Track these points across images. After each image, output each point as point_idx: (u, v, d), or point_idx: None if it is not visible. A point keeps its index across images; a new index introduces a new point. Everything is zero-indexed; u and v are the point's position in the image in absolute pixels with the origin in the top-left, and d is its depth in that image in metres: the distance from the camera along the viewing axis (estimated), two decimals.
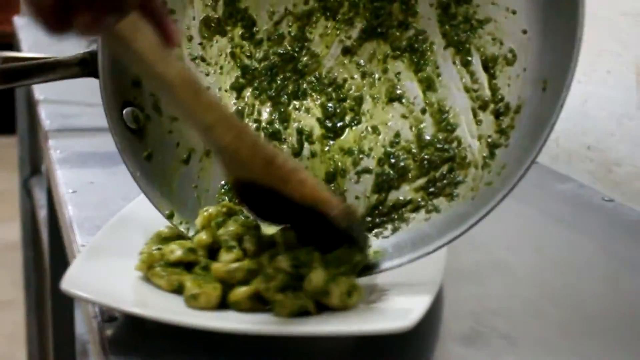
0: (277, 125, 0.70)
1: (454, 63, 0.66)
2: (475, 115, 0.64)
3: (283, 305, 0.56)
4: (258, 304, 0.57)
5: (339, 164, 0.69)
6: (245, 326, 0.55)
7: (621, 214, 0.84)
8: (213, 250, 0.62)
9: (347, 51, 0.70)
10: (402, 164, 0.66)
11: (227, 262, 0.59)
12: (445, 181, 0.64)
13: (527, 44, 0.62)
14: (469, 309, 0.63)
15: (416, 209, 0.64)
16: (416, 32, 0.68)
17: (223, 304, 0.58)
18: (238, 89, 0.71)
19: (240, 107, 0.71)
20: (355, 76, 0.70)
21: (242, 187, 0.60)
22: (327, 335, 0.56)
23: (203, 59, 0.71)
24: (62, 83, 1.20)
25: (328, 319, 0.56)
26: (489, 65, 0.64)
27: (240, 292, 0.57)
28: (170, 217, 0.66)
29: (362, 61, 0.70)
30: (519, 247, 0.76)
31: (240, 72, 0.71)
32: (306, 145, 0.70)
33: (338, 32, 0.70)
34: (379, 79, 0.69)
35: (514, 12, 0.63)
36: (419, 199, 0.64)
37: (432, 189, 0.64)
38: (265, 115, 0.71)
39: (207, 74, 0.71)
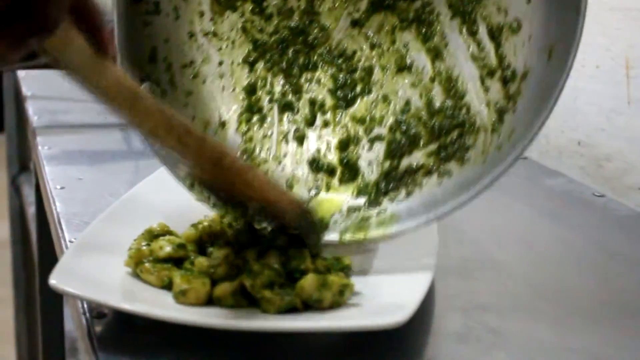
0: (289, 97, 0.71)
1: (461, 33, 0.67)
2: (483, 82, 0.66)
3: (271, 302, 0.55)
4: (243, 300, 0.56)
5: (352, 132, 0.70)
6: (234, 322, 0.54)
7: (611, 209, 0.84)
8: (204, 246, 0.62)
9: (355, 23, 0.72)
10: (413, 130, 0.68)
11: (213, 257, 0.59)
12: (456, 146, 0.66)
13: (531, 13, 0.63)
14: (459, 305, 0.63)
15: (428, 173, 0.66)
16: (423, 4, 0.69)
17: (213, 300, 0.57)
18: (250, 62, 0.72)
19: (252, 80, 0.72)
20: (365, 47, 0.71)
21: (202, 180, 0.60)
22: (317, 332, 0.56)
23: (215, 34, 0.72)
24: (50, 78, 1.20)
25: (318, 315, 0.55)
26: (495, 34, 0.65)
27: (224, 287, 0.57)
28: (191, 187, 0.66)
29: (370, 33, 0.71)
30: (509, 243, 0.76)
31: (251, 46, 0.72)
32: (319, 115, 0.71)
33: (346, 5, 0.72)
34: (388, 49, 0.70)
35: None
36: (431, 164, 0.66)
37: (443, 154, 0.66)
38: (277, 88, 0.72)
39: (220, 49, 0.72)
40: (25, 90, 1.21)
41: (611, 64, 0.91)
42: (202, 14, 0.72)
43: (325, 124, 0.71)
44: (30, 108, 1.13)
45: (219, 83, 0.72)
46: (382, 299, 0.57)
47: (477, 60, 0.66)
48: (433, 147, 0.67)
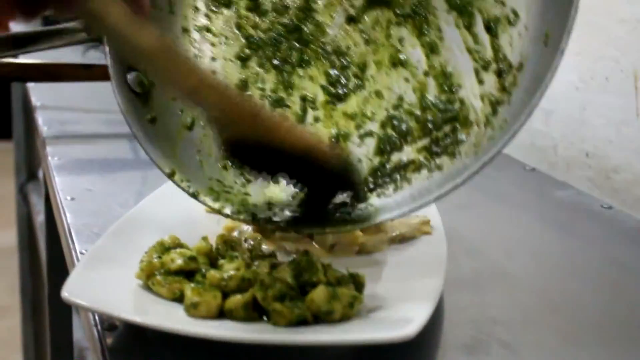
0: (281, 93, 0.71)
1: (457, 26, 0.67)
2: (477, 75, 0.65)
3: (281, 315, 0.55)
4: (253, 313, 0.57)
5: (342, 128, 0.70)
6: (245, 335, 0.54)
7: (620, 221, 0.84)
8: (215, 258, 0.62)
9: (351, 20, 0.71)
10: (404, 126, 0.67)
11: (225, 270, 0.59)
12: (448, 140, 0.65)
13: (529, 4, 0.63)
14: (468, 318, 0.63)
15: (418, 169, 0.65)
16: None
17: (224, 313, 0.57)
18: (243, 58, 0.72)
19: (244, 77, 0.72)
20: (359, 43, 0.71)
21: (233, 145, 0.61)
22: (327, 345, 0.56)
23: (208, 30, 0.72)
24: (59, 89, 1.20)
25: (328, 328, 0.56)
26: (491, 26, 0.65)
27: (235, 300, 0.57)
28: (171, 175, 0.66)
29: (365, 29, 0.71)
30: (518, 255, 0.76)
31: (245, 42, 0.72)
32: (310, 111, 0.71)
33: (342, 1, 0.71)
34: (383, 45, 0.70)
35: None
36: (422, 159, 0.65)
37: (434, 149, 0.65)
38: (269, 84, 0.72)
39: (213, 44, 0.72)
40: (35, 100, 1.21)
41: (620, 75, 0.91)
42: (196, 10, 0.72)
43: (316, 120, 0.71)
44: (40, 118, 1.13)
45: None
46: (391, 311, 0.57)
47: (473, 53, 0.66)
48: (424, 142, 0.66)
